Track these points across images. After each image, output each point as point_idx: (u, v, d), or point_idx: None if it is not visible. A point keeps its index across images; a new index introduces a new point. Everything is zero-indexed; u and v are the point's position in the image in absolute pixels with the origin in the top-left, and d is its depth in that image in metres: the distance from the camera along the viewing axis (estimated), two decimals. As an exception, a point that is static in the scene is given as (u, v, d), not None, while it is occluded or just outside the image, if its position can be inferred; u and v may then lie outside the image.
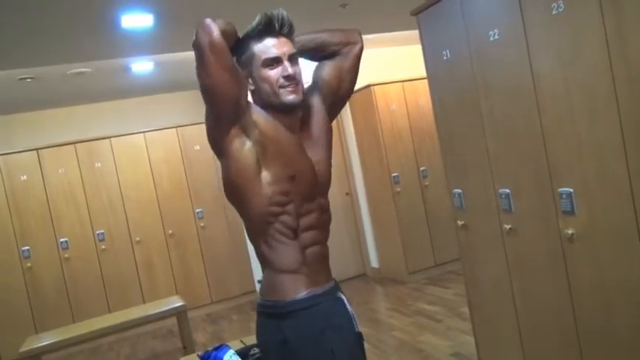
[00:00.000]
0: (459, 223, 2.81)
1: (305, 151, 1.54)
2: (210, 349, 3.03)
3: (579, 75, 1.98)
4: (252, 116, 1.46)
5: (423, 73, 2.95)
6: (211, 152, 1.54)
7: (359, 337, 1.54)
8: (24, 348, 3.90)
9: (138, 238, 5.53)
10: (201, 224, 5.72)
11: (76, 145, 5.38)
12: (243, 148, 1.44)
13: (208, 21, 1.39)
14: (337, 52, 1.64)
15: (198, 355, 3.03)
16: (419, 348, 3.76)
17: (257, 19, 1.48)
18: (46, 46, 3.59)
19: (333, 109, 1.69)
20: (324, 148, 1.61)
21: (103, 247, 5.42)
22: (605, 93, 1.88)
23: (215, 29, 1.38)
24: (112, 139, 5.43)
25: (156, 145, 5.50)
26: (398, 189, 5.49)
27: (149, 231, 5.57)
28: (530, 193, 2.32)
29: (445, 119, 2.84)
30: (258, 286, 3.78)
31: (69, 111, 5.80)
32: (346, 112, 6.04)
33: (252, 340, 2.36)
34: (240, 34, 1.53)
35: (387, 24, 4.75)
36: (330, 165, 1.62)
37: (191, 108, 5.37)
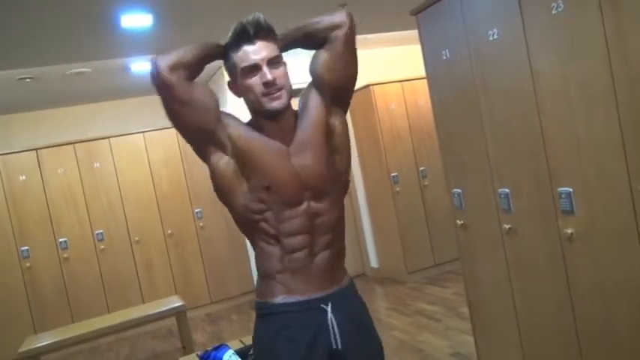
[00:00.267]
0: (459, 222, 2.81)
1: (287, 158, 1.49)
2: (209, 349, 3.03)
3: (579, 74, 1.99)
4: (228, 132, 1.48)
5: (423, 72, 2.95)
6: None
7: (329, 354, 1.48)
8: (23, 348, 3.90)
9: (137, 238, 5.53)
10: (201, 224, 5.72)
11: (75, 145, 5.37)
12: (220, 161, 1.49)
13: (154, 59, 1.42)
14: (326, 39, 1.53)
15: (197, 355, 3.03)
16: (418, 348, 3.76)
17: (232, 29, 1.47)
18: (45, 46, 3.59)
19: (339, 100, 1.60)
20: (316, 149, 1.51)
21: (102, 247, 5.42)
22: (605, 92, 1.88)
23: (160, 66, 1.40)
24: (111, 139, 5.43)
25: (155, 146, 5.49)
26: (397, 189, 5.50)
27: (148, 231, 5.57)
28: (529, 192, 2.32)
29: (444, 119, 2.85)
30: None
31: (68, 111, 5.80)
32: (345, 112, 6.04)
33: (251, 340, 2.36)
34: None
35: (386, 24, 4.75)
36: (327, 165, 1.53)
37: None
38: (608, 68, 1.85)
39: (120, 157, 5.46)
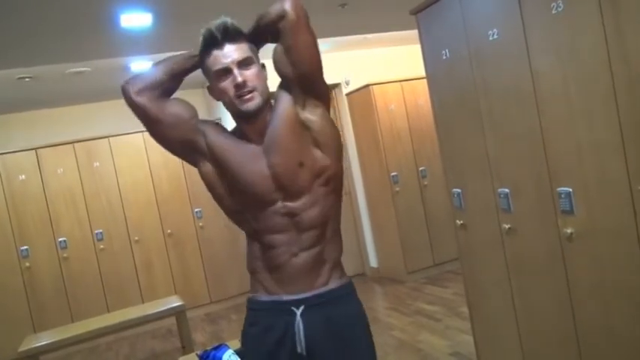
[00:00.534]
0: (458, 222, 2.81)
1: (259, 159, 1.50)
2: (209, 348, 3.02)
3: (578, 74, 1.99)
4: (205, 139, 1.53)
5: (422, 72, 2.95)
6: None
7: (298, 357, 1.49)
8: (22, 348, 3.89)
9: (137, 238, 5.53)
10: (200, 224, 5.72)
11: (75, 144, 5.37)
12: (203, 167, 1.56)
13: (122, 85, 1.49)
14: (278, 31, 1.47)
15: (197, 354, 3.03)
16: (418, 347, 3.76)
17: (201, 34, 1.48)
18: (44, 46, 3.58)
19: (310, 91, 1.52)
20: (285, 147, 1.49)
21: (102, 246, 5.41)
22: (605, 92, 1.88)
23: (128, 92, 1.49)
24: (110, 138, 5.42)
25: (154, 145, 5.22)
26: (397, 189, 5.49)
27: (148, 231, 5.56)
28: (529, 192, 2.32)
29: (444, 119, 2.84)
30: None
31: (68, 110, 5.79)
32: (345, 112, 6.04)
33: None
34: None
35: (386, 23, 4.75)
36: (300, 162, 1.49)
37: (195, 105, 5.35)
38: (608, 68, 1.85)
39: (119, 157, 5.46)
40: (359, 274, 6.22)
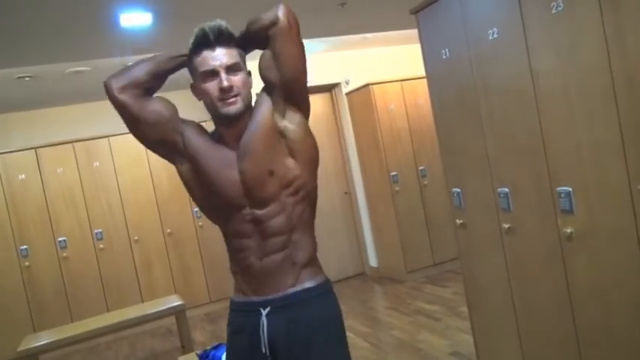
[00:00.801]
0: (458, 222, 2.81)
1: (232, 164, 1.51)
2: (208, 348, 3.03)
3: (578, 74, 1.99)
4: (184, 140, 1.55)
5: (422, 72, 2.95)
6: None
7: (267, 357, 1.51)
8: (22, 347, 3.89)
9: (136, 238, 5.53)
10: (200, 223, 5.72)
11: (75, 144, 5.37)
12: (181, 167, 1.59)
13: (105, 81, 1.51)
14: (267, 38, 1.49)
15: (196, 354, 3.03)
16: (418, 347, 3.76)
17: (193, 33, 1.49)
18: (44, 45, 3.58)
19: (292, 100, 1.53)
20: (257, 153, 1.50)
21: (102, 246, 5.41)
22: (604, 92, 1.88)
23: (110, 88, 1.51)
24: (110, 138, 5.42)
25: None
26: (397, 188, 5.50)
27: (147, 230, 5.56)
28: (529, 192, 2.32)
29: (444, 118, 2.84)
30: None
31: (67, 110, 5.79)
32: (345, 111, 6.04)
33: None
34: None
35: (386, 23, 4.75)
36: (270, 170, 1.49)
37: (189, 106, 5.34)
38: (608, 67, 1.85)
39: (119, 157, 5.46)
40: (359, 273, 6.23)
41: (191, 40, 1.50)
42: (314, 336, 1.52)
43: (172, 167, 1.64)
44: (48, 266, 5.21)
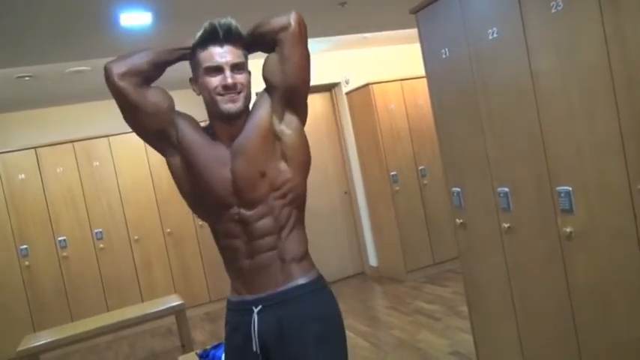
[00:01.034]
0: (458, 221, 2.81)
1: (224, 162, 1.52)
2: (208, 347, 3.04)
3: (578, 73, 1.99)
4: (178, 134, 1.54)
5: (422, 71, 2.95)
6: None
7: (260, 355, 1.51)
8: (22, 347, 3.89)
9: (136, 237, 5.53)
10: (200, 223, 5.71)
11: (74, 143, 5.37)
12: (173, 161, 1.57)
13: (106, 65, 1.48)
14: (276, 41, 1.51)
15: (196, 353, 3.03)
16: (417, 347, 3.76)
17: (203, 27, 1.49)
18: (44, 45, 3.58)
19: (291, 105, 1.54)
20: (250, 154, 1.50)
21: (102, 245, 5.41)
22: (604, 91, 1.88)
23: (111, 73, 1.47)
24: (110, 137, 5.43)
25: None
26: (397, 188, 5.50)
27: (147, 230, 5.56)
28: (528, 191, 2.32)
29: (444, 118, 2.84)
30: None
31: (67, 109, 5.79)
32: (345, 111, 6.04)
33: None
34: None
35: (385, 22, 4.74)
36: (261, 172, 1.50)
37: (189, 106, 5.34)
38: (608, 67, 1.85)
39: (119, 156, 5.47)
40: (359, 273, 6.23)
41: (199, 34, 1.49)
42: (306, 333, 1.51)
43: (172, 167, 1.63)
44: (48, 266, 5.21)
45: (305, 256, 1.59)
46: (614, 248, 1.98)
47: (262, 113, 1.53)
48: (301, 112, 1.58)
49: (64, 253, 5.28)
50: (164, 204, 5.59)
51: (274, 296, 1.52)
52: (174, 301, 4.39)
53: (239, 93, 1.49)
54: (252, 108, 1.56)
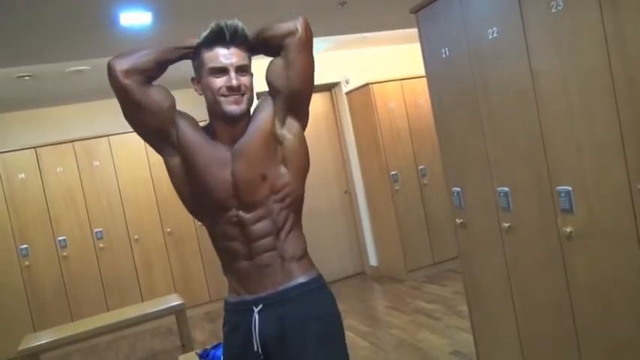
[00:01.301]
0: (458, 221, 2.81)
1: (225, 164, 1.51)
2: (208, 347, 3.04)
3: (578, 73, 1.99)
4: (179, 134, 1.53)
5: (422, 71, 2.95)
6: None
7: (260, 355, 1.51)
8: (22, 346, 3.89)
9: (136, 237, 5.53)
10: (200, 223, 5.71)
11: (74, 143, 5.37)
12: (172, 161, 1.56)
13: (110, 62, 1.47)
14: (281, 46, 1.52)
15: (197, 353, 3.03)
16: (418, 346, 3.76)
17: (209, 27, 1.49)
18: (44, 44, 3.58)
19: (293, 110, 1.56)
20: (252, 157, 1.51)
21: (102, 245, 5.41)
22: (604, 91, 1.88)
23: (115, 71, 1.46)
24: (110, 137, 5.43)
25: None
26: (397, 187, 5.50)
27: (148, 229, 5.56)
28: (528, 191, 2.32)
29: (444, 117, 2.84)
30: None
31: (67, 109, 5.79)
32: (345, 111, 6.04)
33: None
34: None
35: (385, 22, 4.74)
36: (262, 175, 1.51)
37: (189, 105, 5.34)
38: (608, 66, 1.85)
39: (119, 156, 5.47)
40: (359, 272, 6.23)
41: (205, 34, 1.49)
42: (307, 332, 1.51)
43: (172, 167, 1.62)
44: (48, 265, 5.21)
45: (304, 256, 1.60)
46: (614, 248, 1.98)
47: (265, 117, 1.54)
48: (303, 118, 1.59)
49: (64, 253, 5.28)
50: (164, 204, 5.59)
51: (274, 295, 1.52)
52: (174, 300, 4.39)
53: (243, 95, 1.49)
54: (255, 111, 1.56)
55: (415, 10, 2.85)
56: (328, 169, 5.99)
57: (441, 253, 5.52)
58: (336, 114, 6.17)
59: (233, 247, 1.55)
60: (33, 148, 5.23)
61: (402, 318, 4.43)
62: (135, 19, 3.37)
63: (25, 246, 5.15)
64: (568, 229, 2.12)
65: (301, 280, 1.55)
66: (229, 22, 1.47)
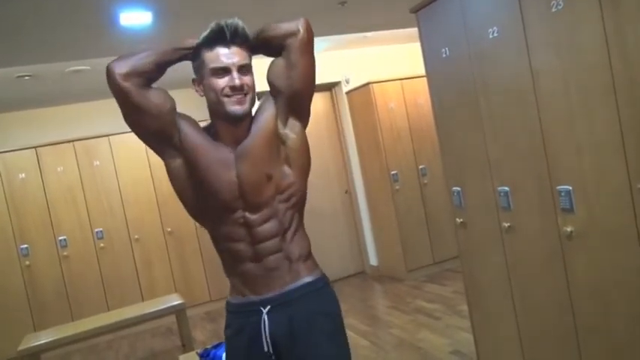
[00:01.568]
0: (458, 220, 2.81)
1: (229, 165, 1.51)
2: (209, 347, 3.03)
3: (578, 72, 1.98)
4: (181, 136, 1.52)
5: (422, 71, 2.94)
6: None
7: (268, 356, 1.51)
8: (22, 346, 3.90)
9: (137, 237, 5.53)
10: (200, 225, 5.71)
11: (75, 143, 5.37)
12: (174, 164, 1.54)
13: (108, 66, 1.46)
14: (283, 46, 1.52)
15: (197, 353, 3.03)
16: (418, 346, 3.76)
17: (209, 27, 1.48)
18: (44, 44, 3.58)
19: (295, 111, 1.56)
20: (256, 158, 1.51)
21: (102, 245, 5.41)
22: (605, 90, 1.88)
23: (114, 74, 1.44)
24: (110, 137, 5.43)
25: None
26: (397, 187, 5.50)
27: (148, 229, 5.57)
28: (529, 190, 2.32)
29: (444, 117, 2.84)
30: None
31: (67, 109, 5.79)
32: (345, 110, 6.04)
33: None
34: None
35: (386, 21, 4.74)
36: (266, 176, 1.51)
37: (189, 105, 5.33)
38: (608, 66, 1.85)
39: (119, 155, 5.47)
40: (359, 272, 6.23)
41: (205, 34, 1.48)
42: (316, 329, 1.52)
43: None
44: (48, 265, 5.21)
45: (310, 256, 1.61)
46: (615, 248, 1.97)
47: (267, 117, 1.53)
48: (304, 117, 1.59)
49: (65, 253, 5.28)
50: (164, 203, 5.59)
51: (282, 295, 1.53)
52: (175, 300, 4.39)
53: (246, 95, 1.48)
54: (257, 111, 1.56)
55: (415, 10, 2.85)
56: (329, 168, 5.98)
57: (441, 253, 5.52)
58: (337, 114, 6.17)
59: (237, 248, 1.54)
60: (33, 147, 5.23)
61: (403, 317, 4.43)
62: (135, 19, 3.37)
63: (25, 246, 5.15)
64: (568, 229, 2.12)
65: (308, 279, 1.56)
66: (229, 22, 1.46)
